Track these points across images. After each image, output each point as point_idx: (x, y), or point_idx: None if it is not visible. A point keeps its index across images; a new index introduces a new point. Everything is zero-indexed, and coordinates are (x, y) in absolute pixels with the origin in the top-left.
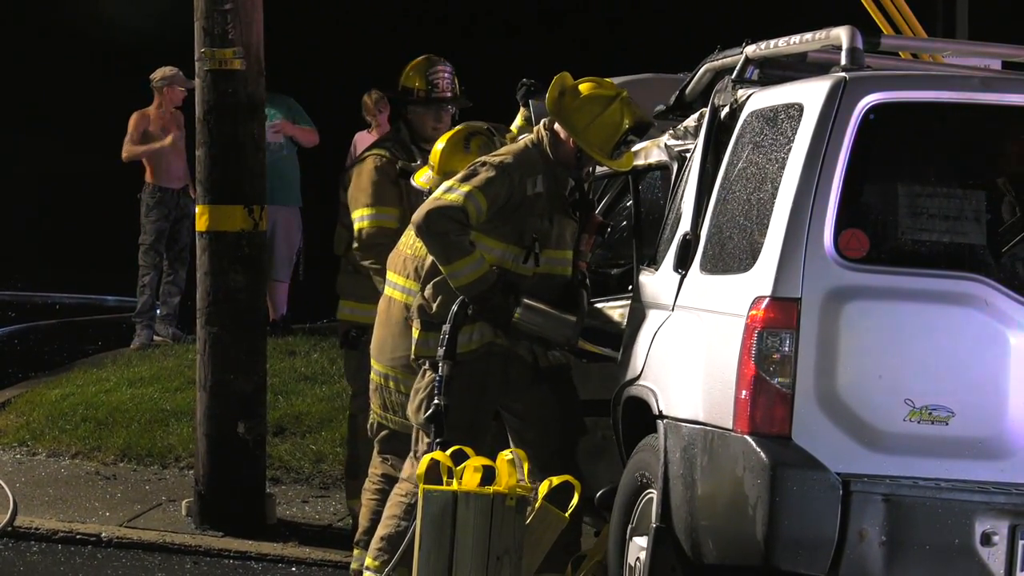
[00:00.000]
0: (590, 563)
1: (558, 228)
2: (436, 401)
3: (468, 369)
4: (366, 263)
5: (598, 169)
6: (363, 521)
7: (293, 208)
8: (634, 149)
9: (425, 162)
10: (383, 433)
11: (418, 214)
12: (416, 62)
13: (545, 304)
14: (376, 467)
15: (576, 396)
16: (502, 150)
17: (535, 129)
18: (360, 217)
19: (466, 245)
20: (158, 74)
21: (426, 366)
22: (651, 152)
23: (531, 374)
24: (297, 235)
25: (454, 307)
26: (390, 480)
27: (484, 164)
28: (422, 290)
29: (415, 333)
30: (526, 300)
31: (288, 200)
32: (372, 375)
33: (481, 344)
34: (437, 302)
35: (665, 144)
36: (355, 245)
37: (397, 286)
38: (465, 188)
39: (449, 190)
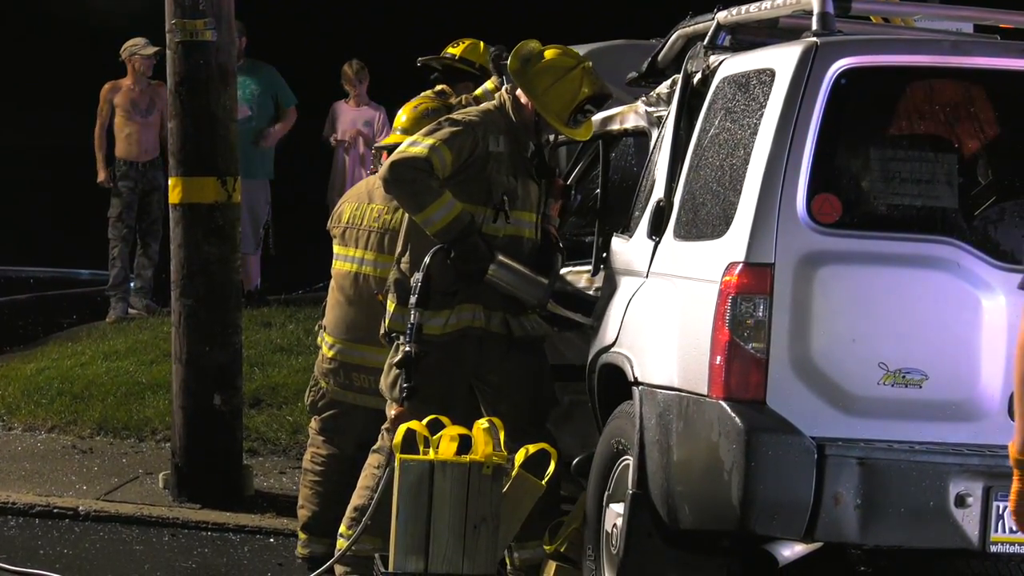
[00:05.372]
0: (567, 530)
1: (522, 189)
2: (407, 348)
3: (443, 349)
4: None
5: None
6: (310, 505)
7: (262, 181)
8: (609, 114)
9: None
10: (332, 411)
11: (383, 169)
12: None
13: (519, 264)
14: (319, 447)
15: (548, 367)
16: (465, 110)
17: (498, 93)
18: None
19: (435, 187)
20: (127, 46)
21: (400, 340)
22: (627, 117)
23: (504, 346)
24: (264, 208)
25: (427, 259)
26: (336, 460)
27: (448, 120)
28: (397, 264)
29: (390, 307)
30: (500, 257)
31: (256, 173)
32: (332, 352)
33: (457, 328)
34: (415, 276)
35: (644, 109)
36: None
37: (367, 261)
38: (429, 141)
39: (413, 143)
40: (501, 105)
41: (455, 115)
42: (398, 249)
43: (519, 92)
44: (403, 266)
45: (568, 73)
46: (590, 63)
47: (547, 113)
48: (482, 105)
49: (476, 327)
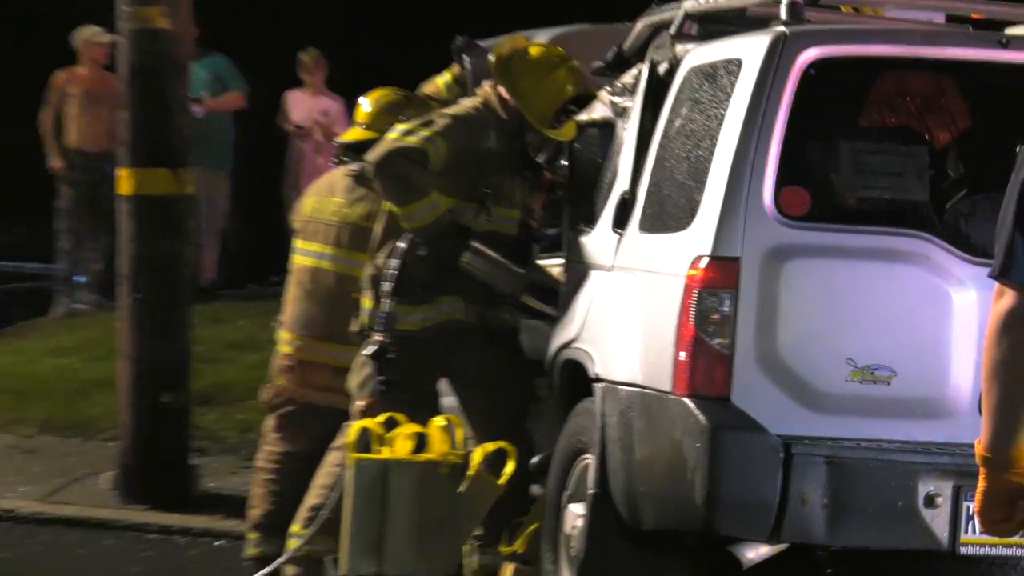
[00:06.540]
0: (526, 531)
1: (509, 186)
2: (379, 338)
3: (419, 344)
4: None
5: None
6: (263, 504)
7: (220, 171)
8: None
9: None
10: (288, 409)
11: (375, 155)
12: None
13: (495, 252)
14: (274, 444)
15: (527, 361)
16: (454, 107)
17: (481, 91)
18: None
19: (425, 186)
20: (82, 34)
21: (373, 336)
22: (594, 108)
23: (479, 339)
24: (223, 201)
25: (403, 244)
26: (291, 458)
27: (441, 115)
28: (373, 259)
29: (366, 303)
30: (475, 245)
31: (213, 163)
32: (290, 349)
33: (436, 322)
34: (389, 264)
35: (610, 100)
36: None
37: (326, 256)
38: (425, 132)
39: (408, 133)
40: (486, 101)
41: (448, 110)
42: (375, 244)
43: (502, 89)
44: (379, 262)
45: (552, 73)
46: (576, 62)
47: (529, 113)
48: (467, 103)
49: (455, 320)
